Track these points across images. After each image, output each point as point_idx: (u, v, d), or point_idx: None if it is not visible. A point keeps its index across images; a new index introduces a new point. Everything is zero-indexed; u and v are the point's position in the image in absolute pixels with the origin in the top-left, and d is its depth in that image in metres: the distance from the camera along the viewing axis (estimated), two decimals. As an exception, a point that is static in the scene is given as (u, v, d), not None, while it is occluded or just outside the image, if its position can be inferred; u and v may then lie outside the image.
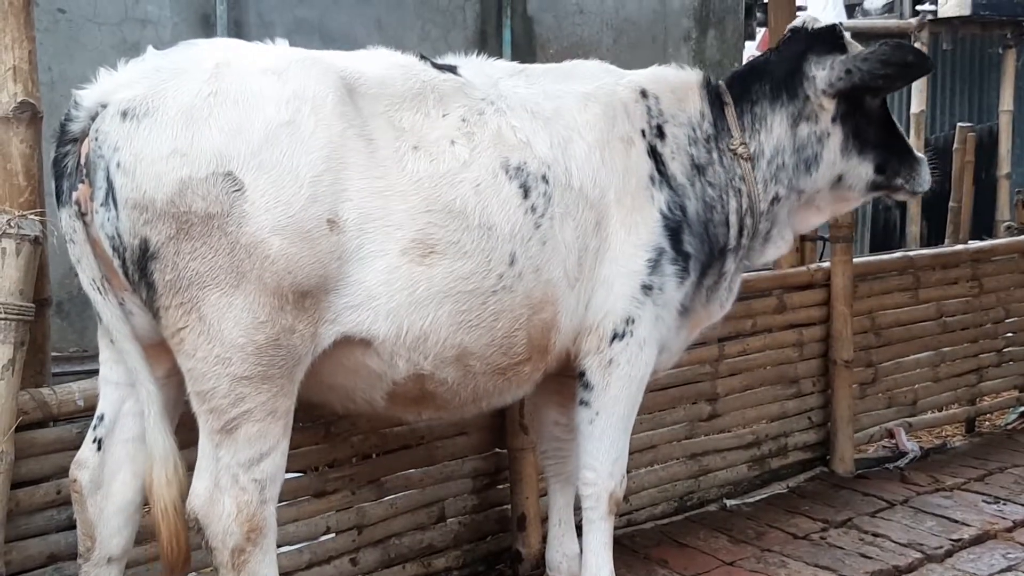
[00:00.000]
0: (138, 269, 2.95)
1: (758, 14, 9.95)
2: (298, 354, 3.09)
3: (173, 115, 2.89)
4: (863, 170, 4.00)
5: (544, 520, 4.60)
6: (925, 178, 4.10)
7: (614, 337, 3.68)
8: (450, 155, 3.30)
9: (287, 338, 3.03)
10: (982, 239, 7.74)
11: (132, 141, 2.88)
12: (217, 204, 2.89)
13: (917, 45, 11.86)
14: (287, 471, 3.98)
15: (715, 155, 3.89)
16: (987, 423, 7.07)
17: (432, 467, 4.44)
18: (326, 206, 3.02)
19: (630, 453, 4.98)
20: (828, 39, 3.95)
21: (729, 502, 5.44)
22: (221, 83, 2.97)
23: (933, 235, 11.51)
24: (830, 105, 3.90)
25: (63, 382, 3.55)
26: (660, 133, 3.82)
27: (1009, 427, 6.96)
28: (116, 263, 2.99)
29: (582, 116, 3.67)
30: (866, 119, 3.96)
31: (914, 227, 11.66)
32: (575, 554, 4.26)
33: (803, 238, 5.87)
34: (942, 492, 5.60)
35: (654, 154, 3.77)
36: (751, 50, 11.14)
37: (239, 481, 3.08)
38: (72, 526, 3.49)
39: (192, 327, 2.97)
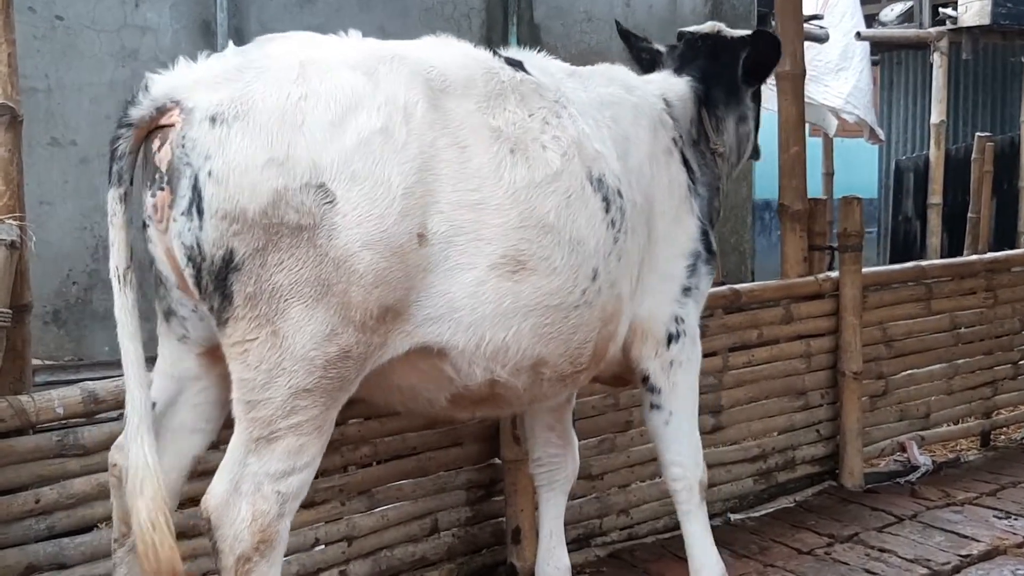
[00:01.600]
0: (215, 280, 2.79)
1: (772, 21, 9.84)
2: (364, 367, 2.99)
3: (266, 120, 2.74)
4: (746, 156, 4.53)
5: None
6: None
7: (670, 339, 3.83)
8: (543, 162, 3.19)
9: (359, 351, 2.92)
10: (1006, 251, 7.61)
11: (225, 149, 2.73)
12: (309, 216, 2.75)
13: (936, 55, 11.76)
14: None
15: (701, 157, 4.12)
16: (1003, 437, 6.92)
17: (425, 478, 4.36)
18: (417, 220, 2.90)
19: (630, 466, 5.02)
20: (745, 43, 4.30)
21: (733, 516, 5.34)
22: (310, 84, 2.81)
23: (954, 247, 11.38)
24: (751, 106, 4.36)
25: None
26: (684, 140, 3.98)
27: (1025, 441, 6.82)
28: (189, 272, 2.84)
29: (634, 128, 3.72)
30: (758, 115, 4.47)
31: (935, 239, 11.52)
32: (566, 567, 4.24)
33: (811, 247, 5.79)
34: (953, 507, 5.47)
35: (685, 161, 3.93)
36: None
37: (262, 489, 2.94)
38: (52, 536, 3.46)
39: (263, 340, 2.83)
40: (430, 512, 4.38)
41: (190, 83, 2.83)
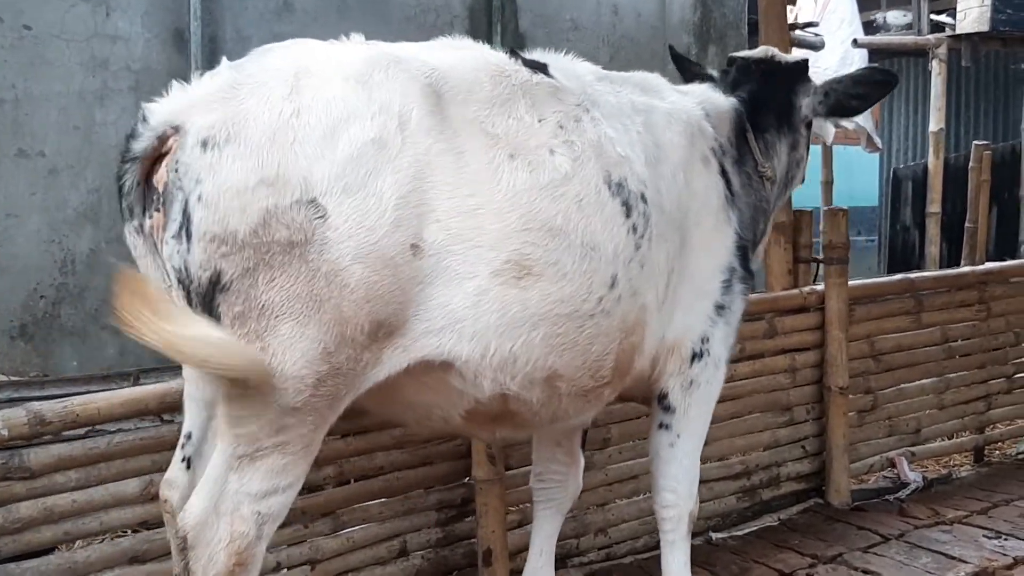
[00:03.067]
0: (203, 302, 2.75)
1: (767, 30, 9.73)
2: (356, 385, 2.90)
3: (256, 141, 2.70)
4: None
5: (513, 555, 4.41)
6: None
7: (693, 358, 3.69)
8: (550, 166, 3.08)
9: (350, 367, 2.84)
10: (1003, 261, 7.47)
11: (215, 173, 2.69)
12: (300, 232, 2.69)
13: (935, 62, 11.63)
14: None
15: (744, 177, 3.99)
16: (997, 452, 6.79)
17: (393, 499, 4.25)
18: (411, 231, 2.81)
19: (608, 484, 4.90)
20: (804, 70, 4.22)
21: (715, 535, 5.21)
22: (303, 98, 2.76)
23: (953, 256, 11.24)
24: (805, 134, 4.23)
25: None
26: (723, 152, 3.87)
27: (1021, 456, 6.67)
28: (179, 294, 2.79)
29: (667, 134, 3.59)
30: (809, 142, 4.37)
31: (933, 248, 11.39)
32: None
33: (796, 260, 5.67)
34: (942, 526, 5.34)
35: (724, 172, 3.81)
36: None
37: (241, 510, 2.85)
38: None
39: None
40: (398, 534, 4.27)
41: (186, 106, 2.79)
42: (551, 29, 7.33)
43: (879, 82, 4.18)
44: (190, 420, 3.19)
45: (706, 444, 5.09)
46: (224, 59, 2.93)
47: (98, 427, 3.60)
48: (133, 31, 5.88)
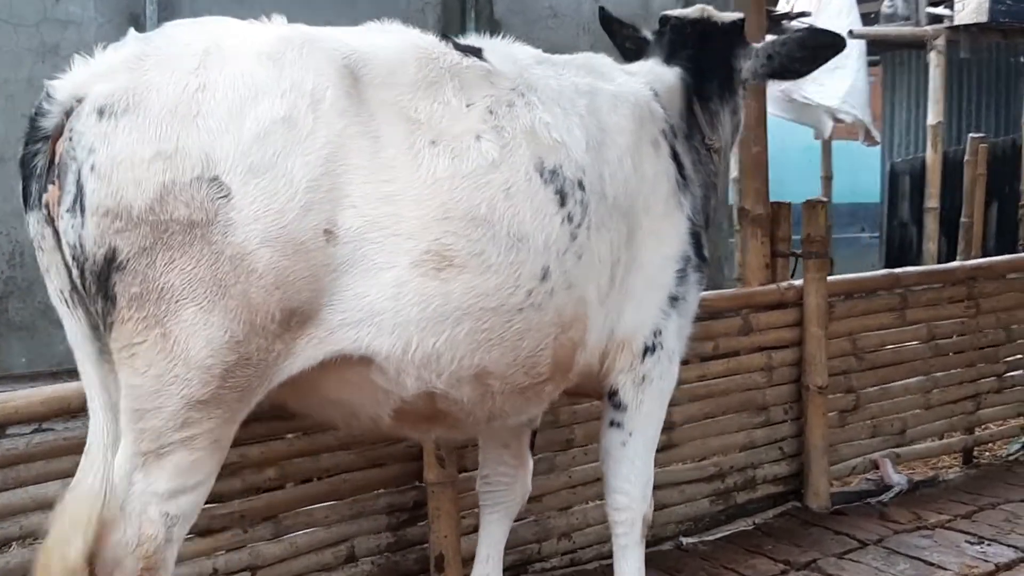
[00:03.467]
0: (97, 281, 2.62)
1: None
2: (268, 377, 2.76)
3: (156, 112, 2.57)
4: None
5: (466, 560, 4.21)
6: None
7: (645, 352, 3.51)
8: (476, 152, 2.93)
9: (260, 358, 2.69)
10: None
11: (110, 142, 2.56)
12: (201, 211, 2.56)
13: (933, 54, 11.40)
14: None
15: (694, 153, 3.80)
16: (987, 453, 6.57)
17: (340, 502, 4.07)
18: (323, 215, 2.68)
19: (572, 487, 4.71)
20: (741, 29, 3.97)
21: (686, 540, 5.02)
22: (210, 74, 2.63)
23: (952, 252, 11.01)
24: (744, 94, 4.06)
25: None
26: (674, 133, 3.67)
27: (1011, 458, 6.45)
28: (75, 273, 2.66)
29: (613, 117, 3.40)
30: None
31: (931, 244, 11.18)
32: None
33: (774, 253, 5.46)
34: (923, 530, 5.14)
35: (676, 156, 3.61)
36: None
37: (148, 512, 2.72)
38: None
39: (151, 343, 2.62)
40: (346, 538, 4.09)
41: (90, 77, 2.66)
42: (528, 16, 7.13)
43: (825, 44, 3.90)
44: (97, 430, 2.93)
45: (677, 445, 5.05)
46: (131, 31, 2.79)
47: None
48: (86, 16, 5.69)
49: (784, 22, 9.74)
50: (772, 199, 5.52)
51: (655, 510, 4.87)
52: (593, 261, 3.18)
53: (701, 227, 3.67)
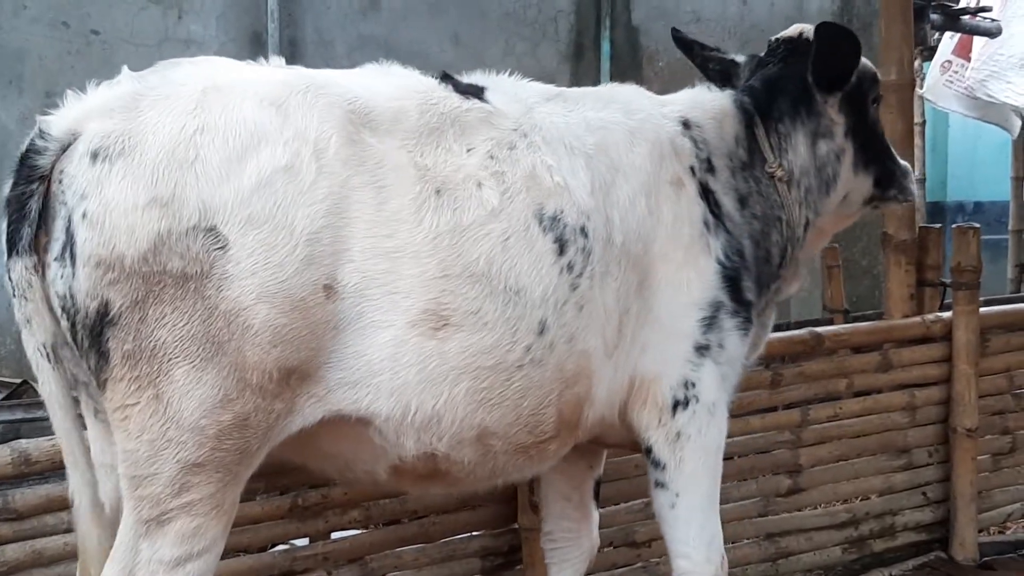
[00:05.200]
0: (90, 335, 2.51)
1: (932, 16, 8.92)
2: (267, 438, 2.65)
3: (153, 156, 2.47)
4: (865, 185, 3.68)
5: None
6: (912, 188, 3.82)
7: (676, 406, 3.22)
8: (476, 202, 2.80)
9: (258, 418, 2.58)
10: None
11: (103, 188, 2.45)
12: (196, 263, 2.46)
13: None
14: (247, 548, 3.65)
15: (752, 183, 3.45)
16: None
17: (430, 544, 3.93)
18: (324, 269, 2.57)
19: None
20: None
21: (815, 590, 4.69)
22: (209, 116, 2.53)
23: None
24: (840, 119, 3.53)
25: None
26: (710, 168, 3.35)
27: None
28: (65, 326, 2.56)
29: (627, 156, 3.15)
30: (869, 131, 3.64)
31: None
32: None
33: (921, 282, 5.05)
34: (1083, 591, 4.66)
35: (706, 193, 3.31)
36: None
37: None
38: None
39: (144, 405, 2.52)
40: (436, 582, 3.94)
41: (86, 114, 2.54)
42: (669, 22, 6.73)
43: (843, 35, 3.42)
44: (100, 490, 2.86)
45: (805, 490, 4.72)
46: (125, 68, 2.66)
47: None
48: (207, 35, 5.71)
49: (964, 17, 9.11)
50: (953, 198, 5.12)
51: (781, 559, 4.66)
52: (597, 312, 2.98)
53: (739, 268, 3.33)
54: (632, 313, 3.10)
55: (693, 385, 3.23)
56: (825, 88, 3.46)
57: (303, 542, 3.78)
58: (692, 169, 3.31)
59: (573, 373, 2.96)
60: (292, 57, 5.72)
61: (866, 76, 3.59)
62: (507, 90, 3.10)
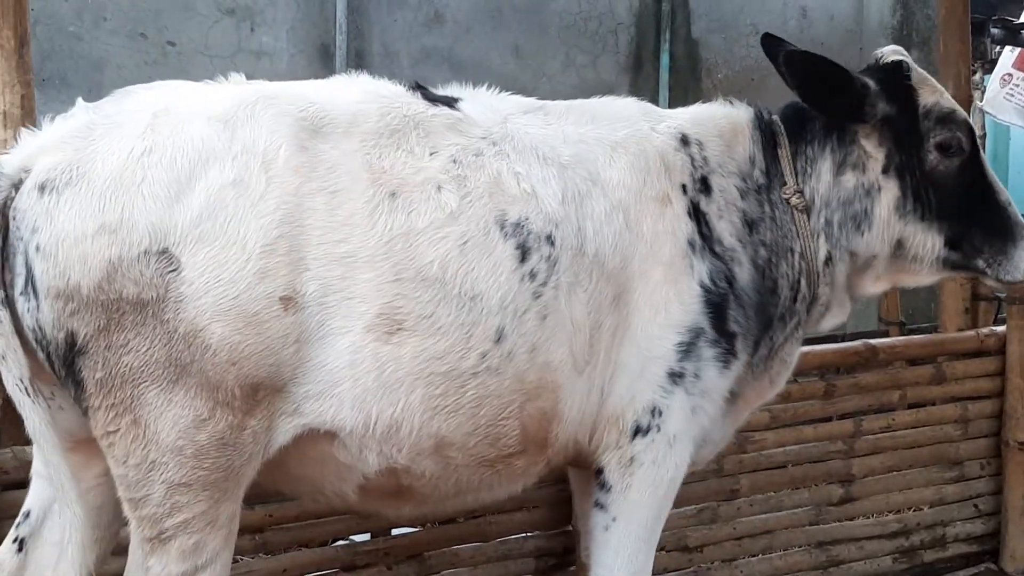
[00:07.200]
0: (65, 365, 2.56)
1: (993, 30, 8.86)
2: (247, 453, 2.67)
3: (100, 183, 2.50)
4: (929, 240, 3.29)
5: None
6: (1019, 266, 3.30)
7: (636, 432, 3.09)
8: (434, 204, 2.77)
9: (235, 436, 2.62)
10: None
11: (52, 220, 2.49)
12: (151, 288, 2.48)
13: None
14: (308, 543, 3.78)
15: (767, 208, 3.28)
16: None
17: (486, 543, 4.04)
18: (279, 281, 2.57)
19: (737, 538, 4.52)
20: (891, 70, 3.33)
21: (865, 598, 4.74)
22: (157, 137, 2.55)
23: None
24: (878, 154, 3.27)
25: None
26: (705, 187, 3.19)
27: None
28: (41, 356, 2.60)
29: (607, 169, 3.07)
30: (932, 178, 3.27)
31: None
32: None
33: (975, 296, 5.08)
34: None
35: (696, 213, 3.15)
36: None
37: None
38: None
39: (124, 431, 2.58)
40: (491, 580, 4.05)
41: (36, 150, 2.61)
42: (728, 34, 6.87)
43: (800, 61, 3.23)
44: (32, 497, 2.92)
45: (857, 499, 4.77)
46: (79, 100, 2.72)
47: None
48: (278, 46, 5.88)
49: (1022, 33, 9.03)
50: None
51: (832, 567, 4.72)
52: (563, 323, 2.89)
53: (726, 294, 3.14)
54: (606, 328, 3.00)
55: (660, 413, 3.10)
56: (836, 115, 3.27)
57: (364, 537, 3.91)
58: (683, 187, 3.17)
59: (535, 385, 2.90)
60: (358, 68, 5.81)
61: (929, 114, 3.29)
62: (483, 101, 3.09)
